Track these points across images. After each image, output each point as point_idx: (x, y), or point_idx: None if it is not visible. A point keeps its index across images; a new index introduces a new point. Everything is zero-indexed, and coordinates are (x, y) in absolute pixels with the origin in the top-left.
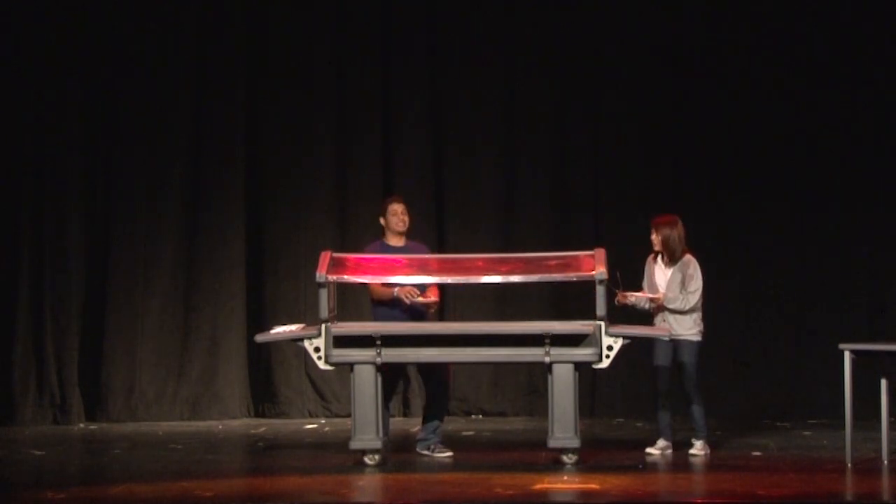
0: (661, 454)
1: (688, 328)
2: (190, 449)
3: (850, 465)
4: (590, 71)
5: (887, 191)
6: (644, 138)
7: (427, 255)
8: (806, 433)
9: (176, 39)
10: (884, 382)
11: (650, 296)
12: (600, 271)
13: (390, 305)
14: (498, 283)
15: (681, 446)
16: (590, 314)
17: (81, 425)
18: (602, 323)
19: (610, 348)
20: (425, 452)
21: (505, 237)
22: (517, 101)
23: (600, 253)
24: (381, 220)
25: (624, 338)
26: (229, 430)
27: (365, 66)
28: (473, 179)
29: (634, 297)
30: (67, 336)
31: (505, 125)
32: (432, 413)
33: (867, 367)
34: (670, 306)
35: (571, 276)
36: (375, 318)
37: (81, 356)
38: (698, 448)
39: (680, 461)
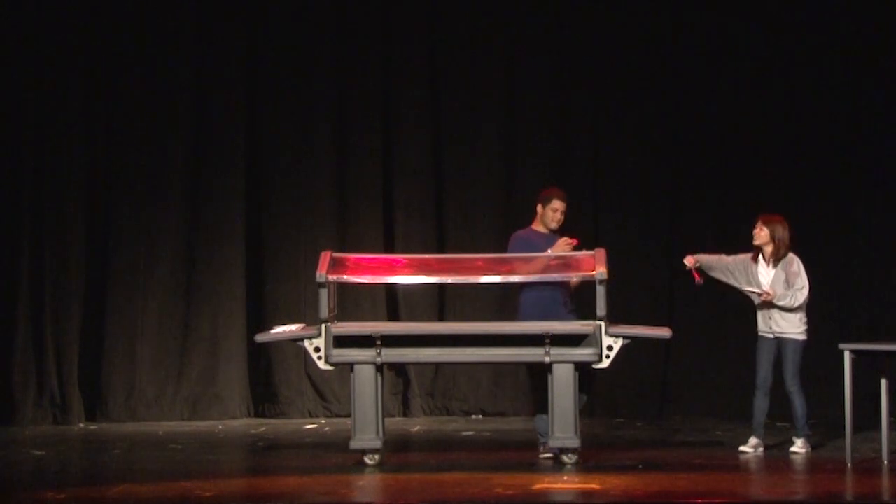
0: (755, 453)
1: (794, 326)
2: (190, 449)
3: (850, 465)
4: (590, 70)
5: (888, 191)
6: (644, 138)
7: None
8: (806, 433)
9: (176, 39)
10: (884, 382)
11: (762, 290)
12: (600, 271)
13: (539, 288)
14: (498, 283)
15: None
16: (590, 314)
17: (81, 425)
18: (602, 323)
19: (610, 348)
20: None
21: (505, 237)
22: (517, 100)
23: (600, 253)
24: (538, 208)
25: (624, 338)
26: (229, 430)
27: (365, 66)
28: (473, 179)
29: (750, 291)
30: (67, 336)
31: (505, 125)
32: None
33: (867, 367)
34: (780, 303)
35: (571, 276)
36: (523, 305)
37: (81, 356)
38: (799, 446)
39: (680, 460)
